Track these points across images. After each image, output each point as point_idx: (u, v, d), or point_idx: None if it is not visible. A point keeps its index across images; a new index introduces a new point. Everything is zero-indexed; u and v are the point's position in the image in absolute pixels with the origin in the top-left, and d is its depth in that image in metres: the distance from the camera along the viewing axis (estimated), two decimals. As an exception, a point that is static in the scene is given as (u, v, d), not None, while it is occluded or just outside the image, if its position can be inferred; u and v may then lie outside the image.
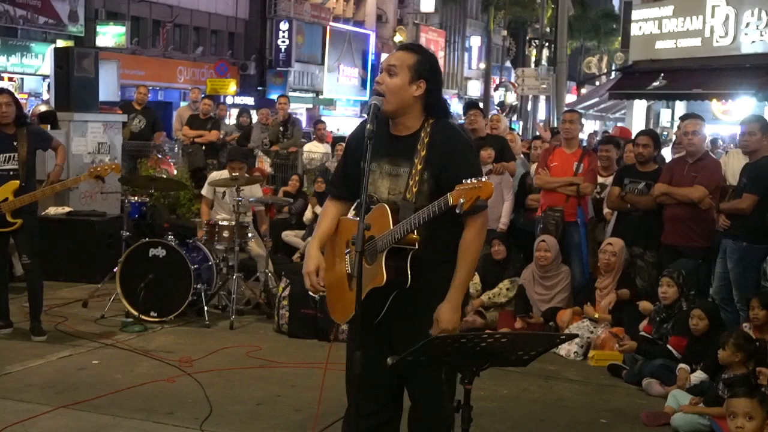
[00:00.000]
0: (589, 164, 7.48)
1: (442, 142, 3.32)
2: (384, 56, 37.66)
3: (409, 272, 3.24)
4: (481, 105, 10.33)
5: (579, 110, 11.02)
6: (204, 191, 8.15)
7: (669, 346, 5.94)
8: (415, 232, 3.21)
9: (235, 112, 27.40)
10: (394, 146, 3.36)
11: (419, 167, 3.30)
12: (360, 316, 3.14)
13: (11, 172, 6.35)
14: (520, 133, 22.22)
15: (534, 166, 8.26)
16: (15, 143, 6.39)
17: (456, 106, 41.85)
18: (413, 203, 3.26)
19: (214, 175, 8.23)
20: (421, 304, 3.33)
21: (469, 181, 2.98)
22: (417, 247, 3.24)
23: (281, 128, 12.71)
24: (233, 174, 7.69)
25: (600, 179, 7.77)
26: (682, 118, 7.62)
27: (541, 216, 7.54)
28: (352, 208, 3.80)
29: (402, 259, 3.24)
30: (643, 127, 16.70)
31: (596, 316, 6.72)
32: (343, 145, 4.84)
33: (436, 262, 3.33)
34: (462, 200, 2.97)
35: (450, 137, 3.35)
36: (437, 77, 3.40)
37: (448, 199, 3.03)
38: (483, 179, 3.00)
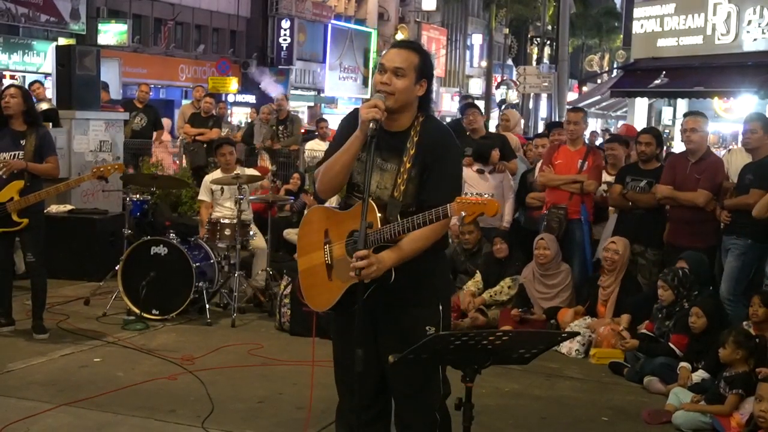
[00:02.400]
0: (593, 162, 7.45)
1: (433, 141, 3.36)
2: (386, 55, 37.63)
3: (392, 268, 3.26)
4: (482, 103, 10.32)
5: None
6: (202, 196, 8.08)
7: (670, 344, 5.94)
8: None
9: (236, 110, 27.58)
10: (385, 141, 3.38)
11: (408, 165, 3.34)
12: (361, 315, 3.15)
13: (16, 171, 6.31)
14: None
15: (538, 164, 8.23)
16: (23, 141, 6.37)
17: (457, 104, 41.90)
18: (400, 202, 3.30)
19: (209, 177, 8.12)
20: (404, 300, 3.35)
21: (471, 196, 3.01)
22: None
23: (279, 126, 12.72)
24: (224, 160, 7.87)
25: (609, 177, 7.75)
26: (684, 116, 7.63)
27: (545, 213, 7.53)
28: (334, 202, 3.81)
29: None
30: (645, 125, 16.67)
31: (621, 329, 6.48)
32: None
33: (419, 257, 3.33)
34: (464, 213, 3.00)
35: (440, 137, 3.40)
36: (432, 75, 3.48)
37: (448, 211, 3.05)
38: (486, 195, 3.03)
